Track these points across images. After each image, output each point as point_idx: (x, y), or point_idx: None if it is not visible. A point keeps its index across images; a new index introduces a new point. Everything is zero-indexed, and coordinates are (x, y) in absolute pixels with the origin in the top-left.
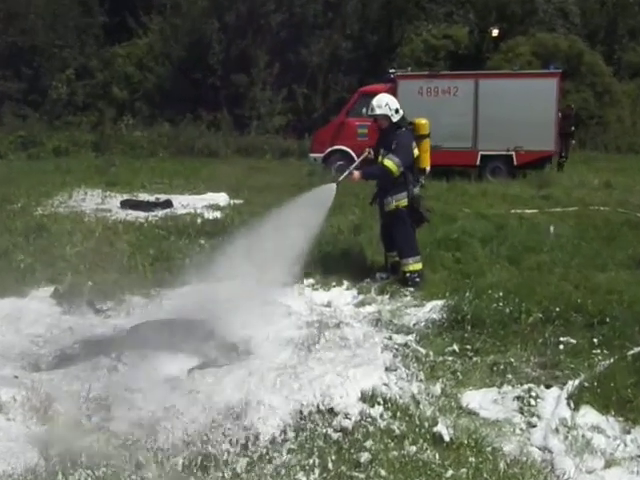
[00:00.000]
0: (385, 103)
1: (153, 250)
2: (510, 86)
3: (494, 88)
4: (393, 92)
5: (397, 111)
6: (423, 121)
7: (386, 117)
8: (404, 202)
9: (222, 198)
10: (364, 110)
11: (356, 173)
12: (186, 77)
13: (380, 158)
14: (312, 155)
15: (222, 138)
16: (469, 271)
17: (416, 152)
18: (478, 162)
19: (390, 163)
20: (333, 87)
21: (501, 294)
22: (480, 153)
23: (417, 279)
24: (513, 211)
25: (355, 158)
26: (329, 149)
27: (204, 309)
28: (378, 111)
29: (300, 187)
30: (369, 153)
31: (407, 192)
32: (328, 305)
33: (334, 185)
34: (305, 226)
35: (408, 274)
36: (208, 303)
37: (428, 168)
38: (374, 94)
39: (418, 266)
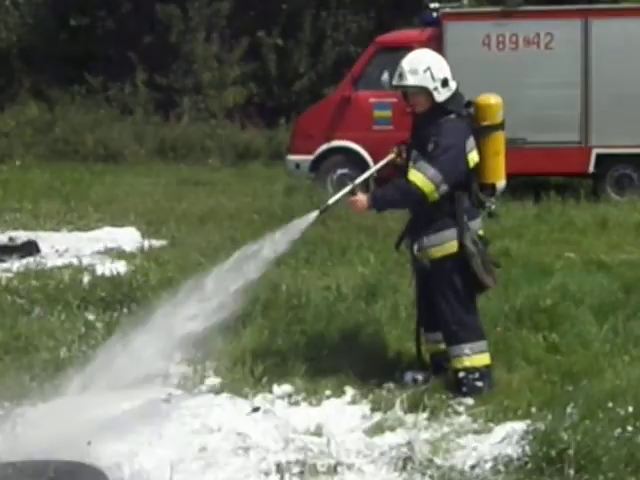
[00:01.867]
0: (425, 67)
1: (2, 333)
2: None
3: (618, 35)
4: (437, 44)
5: (445, 83)
6: (491, 100)
7: (424, 92)
8: (452, 247)
9: (129, 237)
10: (385, 77)
11: (361, 198)
12: (65, 23)
13: (409, 168)
14: (292, 158)
15: (131, 128)
16: (573, 368)
17: (474, 157)
18: (592, 168)
19: (418, 178)
20: (330, 35)
21: (630, 410)
22: (595, 152)
23: (479, 383)
24: None
25: (370, 163)
26: (323, 147)
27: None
28: (411, 80)
29: (270, 216)
30: (398, 155)
31: (458, 229)
32: (317, 433)
33: (314, 214)
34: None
35: (463, 374)
36: (94, 431)
37: (501, 183)
38: (403, 49)
39: (482, 360)
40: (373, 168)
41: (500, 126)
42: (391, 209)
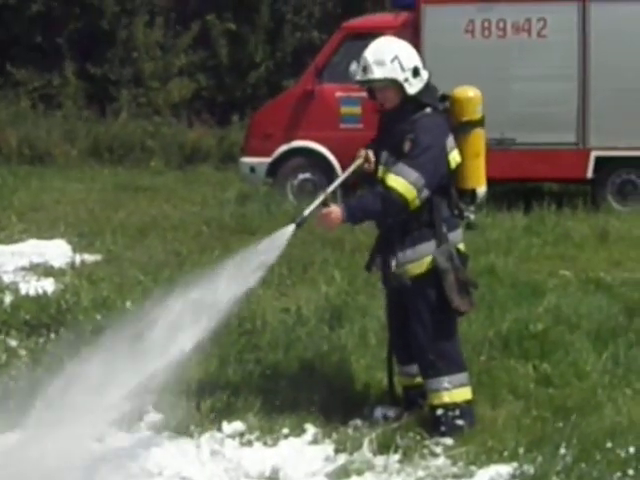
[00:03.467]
0: (392, 56)
1: None
2: None
3: (621, 20)
4: (413, 31)
5: (417, 72)
6: (469, 93)
7: (394, 85)
8: (426, 264)
9: (58, 251)
10: (354, 68)
11: (335, 210)
12: None
13: (380, 172)
14: (247, 160)
15: (61, 126)
16: (567, 403)
17: (456, 157)
18: (590, 173)
19: (399, 183)
20: (290, 19)
21: (632, 451)
22: (594, 155)
23: (459, 421)
24: None
25: (336, 166)
26: (282, 148)
27: None
28: (378, 73)
29: (221, 227)
30: (366, 159)
31: (435, 241)
32: (273, 477)
33: (290, 228)
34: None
35: (442, 411)
36: (16, 475)
37: (482, 189)
38: (374, 36)
39: (462, 395)
40: (343, 175)
41: (479, 123)
42: (367, 221)
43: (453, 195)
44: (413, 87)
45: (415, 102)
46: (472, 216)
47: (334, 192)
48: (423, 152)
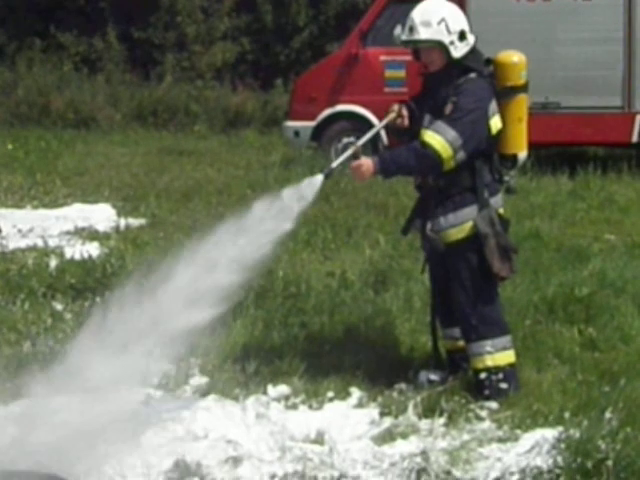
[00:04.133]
0: (439, 18)
1: None
2: None
3: None
4: None
5: (463, 36)
6: (514, 58)
7: (439, 47)
8: (468, 229)
9: (103, 216)
10: (398, 32)
11: (366, 162)
12: None
13: (421, 131)
14: (291, 124)
15: (104, 90)
16: (613, 367)
17: (497, 123)
18: (636, 137)
19: (436, 140)
20: None
21: None
22: (639, 118)
23: (504, 384)
24: None
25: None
26: (326, 112)
27: (55, 453)
28: (424, 34)
29: (265, 191)
30: (399, 115)
31: (478, 206)
32: (318, 440)
33: (319, 178)
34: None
35: (485, 374)
36: (62, 438)
37: (524, 154)
38: (416, 0)
39: (506, 358)
40: (374, 129)
41: (523, 88)
42: (398, 175)
43: (495, 160)
44: (458, 50)
45: (460, 66)
46: (513, 180)
47: (375, 148)
48: (464, 115)
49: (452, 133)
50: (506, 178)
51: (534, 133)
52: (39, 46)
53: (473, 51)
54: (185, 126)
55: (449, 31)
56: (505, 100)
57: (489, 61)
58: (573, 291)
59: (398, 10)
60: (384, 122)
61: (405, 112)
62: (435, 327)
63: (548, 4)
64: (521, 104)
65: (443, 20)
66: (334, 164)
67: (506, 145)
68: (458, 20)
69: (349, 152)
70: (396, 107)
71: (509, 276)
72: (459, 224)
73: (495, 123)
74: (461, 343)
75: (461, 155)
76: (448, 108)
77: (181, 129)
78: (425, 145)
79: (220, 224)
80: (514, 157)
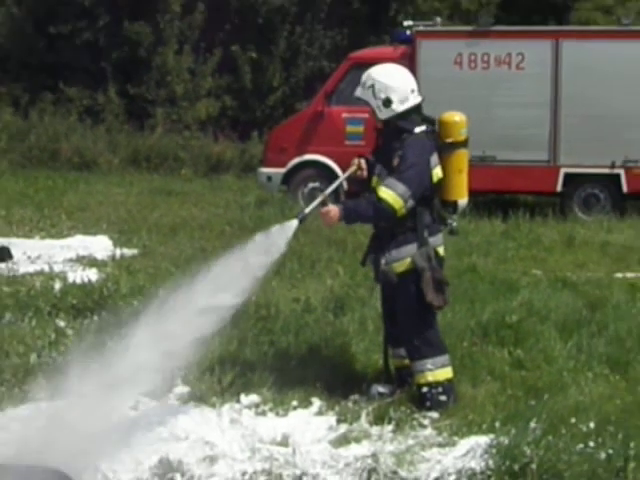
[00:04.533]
0: (370, 83)
1: None
2: (617, 52)
3: (588, 56)
4: (409, 62)
5: (387, 103)
6: (455, 117)
7: (370, 107)
8: (407, 263)
9: (101, 246)
10: (357, 93)
11: (333, 209)
12: (41, 29)
13: (374, 182)
14: (265, 170)
15: (105, 137)
16: (538, 383)
17: (438, 173)
18: (560, 187)
19: (388, 195)
20: (304, 50)
21: (592, 426)
22: (563, 171)
23: (443, 397)
24: (620, 275)
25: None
26: (295, 160)
27: (54, 450)
28: (358, 92)
29: (241, 227)
30: (358, 167)
31: (417, 244)
32: (283, 443)
33: (294, 222)
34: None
35: (426, 389)
36: (62, 437)
37: (464, 201)
38: (372, 64)
39: (444, 374)
40: (339, 179)
41: (463, 144)
42: (359, 223)
43: (435, 205)
44: (383, 114)
45: (399, 127)
46: (455, 223)
47: (336, 194)
48: (409, 168)
49: (401, 187)
50: (449, 221)
51: (473, 182)
52: (50, 99)
53: (414, 110)
54: (173, 170)
55: (375, 96)
56: (447, 153)
57: (433, 120)
58: (504, 318)
59: (358, 74)
60: (347, 174)
61: (364, 165)
62: (387, 347)
63: (486, 72)
64: (461, 157)
65: (372, 86)
66: (307, 210)
67: (448, 193)
68: (386, 89)
69: (319, 200)
70: (356, 161)
71: (442, 305)
72: (400, 259)
73: (436, 173)
74: (407, 361)
75: (410, 203)
76: (395, 161)
77: (170, 173)
78: (380, 200)
79: (212, 259)
80: (455, 203)
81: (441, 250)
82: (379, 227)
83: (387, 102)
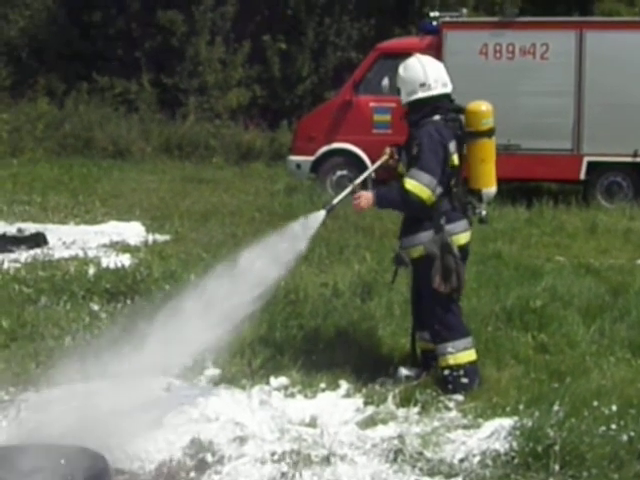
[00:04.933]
0: (402, 71)
1: (8, 321)
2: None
3: (611, 47)
4: (436, 52)
5: (402, 92)
6: (482, 107)
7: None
8: (422, 249)
9: (134, 232)
10: (385, 83)
11: (366, 194)
12: (75, 19)
13: (400, 168)
14: (294, 158)
15: (138, 126)
16: (561, 367)
17: (454, 160)
18: (583, 175)
19: (414, 186)
20: (332, 41)
21: (614, 409)
22: (586, 160)
23: (465, 380)
24: None
25: (369, 165)
26: (323, 148)
27: (88, 430)
28: (398, 84)
29: (271, 214)
30: (390, 156)
31: (434, 231)
32: (312, 424)
33: (322, 213)
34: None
35: (448, 372)
36: (95, 417)
37: (489, 190)
38: (403, 56)
39: (466, 357)
40: (370, 168)
41: (485, 133)
42: (391, 209)
43: (456, 192)
44: (415, 94)
45: (422, 114)
46: (484, 212)
47: (364, 183)
48: (428, 155)
49: (426, 177)
50: (477, 210)
51: (498, 170)
52: (84, 88)
53: (442, 97)
54: (205, 158)
55: (407, 81)
56: (469, 142)
57: (461, 109)
58: (528, 303)
59: (385, 64)
60: (378, 163)
61: (396, 155)
62: (414, 330)
63: (511, 62)
64: (484, 147)
65: (405, 72)
66: (335, 200)
67: (472, 181)
68: (398, 80)
69: (348, 190)
70: (388, 150)
71: (445, 292)
72: (416, 245)
73: (453, 160)
74: (432, 344)
75: (438, 190)
76: (414, 149)
77: (201, 161)
78: (407, 192)
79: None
80: (479, 192)
81: (463, 238)
82: (405, 213)
83: (398, 92)
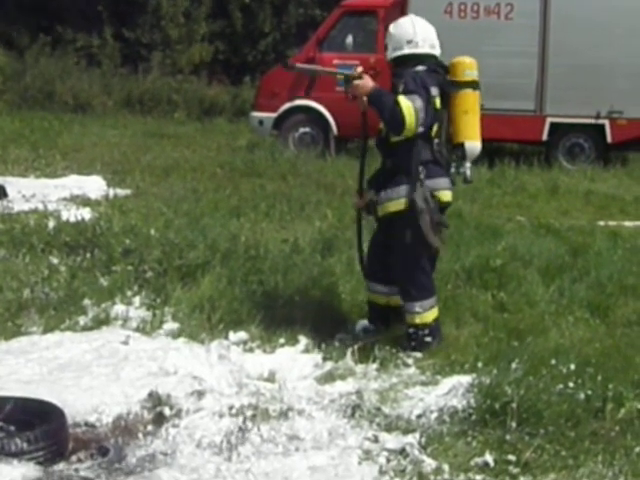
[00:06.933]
0: (392, 28)
1: None
2: (605, 3)
3: (576, 7)
4: (400, 11)
5: (389, 47)
6: (466, 59)
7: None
8: (403, 203)
9: (95, 186)
10: (349, 40)
11: (366, 82)
12: None
13: (380, 126)
14: (256, 114)
15: (100, 80)
16: (520, 326)
17: (437, 103)
18: (545, 136)
19: (406, 105)
20: None
21: (572, 367)
22: (549, 121)
23: (428, 338)
24: (602, 223)
25: (331, 121)
26: (286, 105)
27: (45, 382)
28: (386, 41)
29: (232, 170)
30: (359, 76)
31: (412, 184)
32: (270, 379)
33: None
34: None
35: (413, 329)
36: (53, 370)
37: (473, 145)
38: (367, 14)
39: (431, 315)
40: (337, 70)
41: (469, 84)
42: (376, 112)
43: (437, 143)
44: (388, 55)
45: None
46: (468, 171)
47: (324, 134)
48: (415, 89)
49: (419, 102)
50: (461, 170)
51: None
52: (45, 41)
53: (404, 60)
54: (167, 113)
55: (394, 38)
56: (451, 92)
57: (441, 65)
58: (488, 262)
59: (349, 22)
60: (346, 72)
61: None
62: (374, 286)
63: (475, 22)
64: (466, 98)
65: (389, 32)
66: (299, 64)
67: (455, 135)
68: (387, 35)
69: (314, 67)
70: (360, 68)
71: (439, 246)
72: (395, 198)
73: (436, 102)
74: (392, 300)
75: (420, 130)
76: (400, 87)
77: (163, 116)
78: (397, 105)
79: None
80: (462, 146)
81: (444, 195)
82: (382, 162)
83: (385, 47)
